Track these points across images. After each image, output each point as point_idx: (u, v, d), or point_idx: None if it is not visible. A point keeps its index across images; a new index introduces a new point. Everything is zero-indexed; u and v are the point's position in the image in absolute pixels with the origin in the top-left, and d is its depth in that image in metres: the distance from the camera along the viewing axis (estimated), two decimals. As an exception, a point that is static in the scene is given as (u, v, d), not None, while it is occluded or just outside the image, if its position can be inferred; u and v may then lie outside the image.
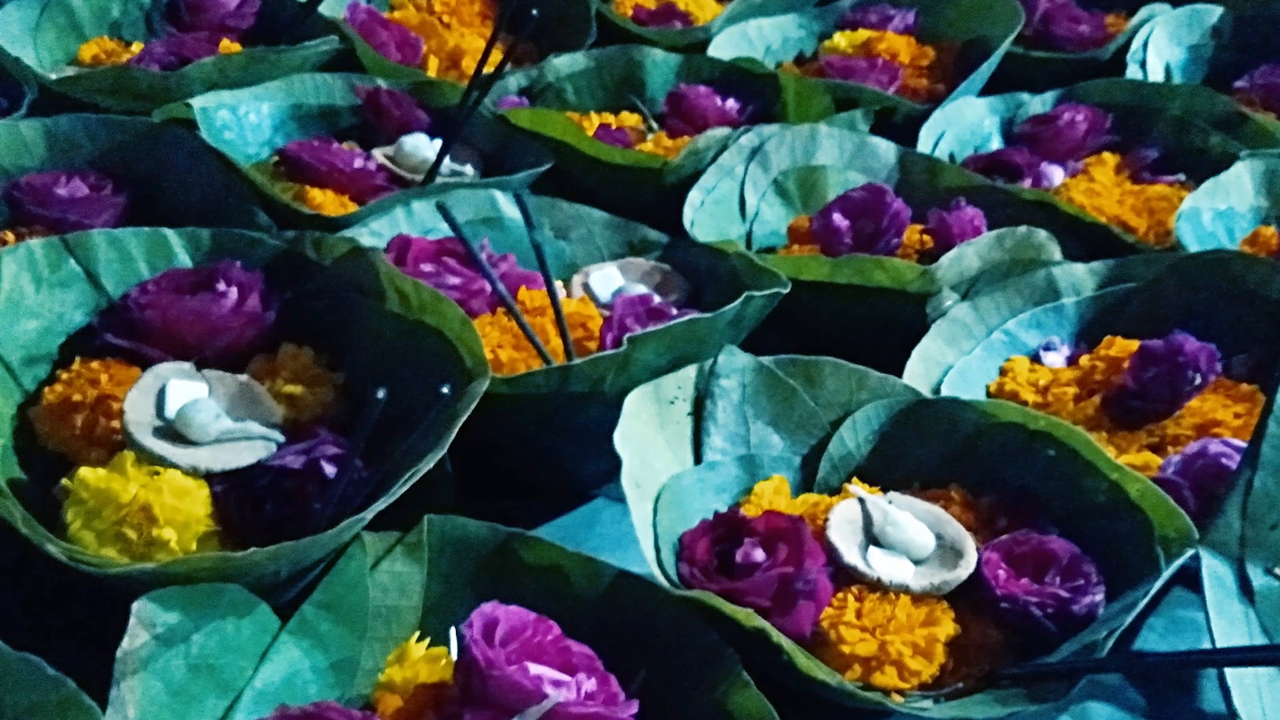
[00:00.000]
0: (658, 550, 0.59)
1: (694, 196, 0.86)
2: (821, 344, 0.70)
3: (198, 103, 0.85)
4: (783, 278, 0.71)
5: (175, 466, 0.53)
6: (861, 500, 0.61)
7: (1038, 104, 1.04)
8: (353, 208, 0.81)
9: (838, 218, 0.82)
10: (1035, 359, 0.73)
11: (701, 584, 0.56)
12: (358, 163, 0.85)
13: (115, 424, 0.55)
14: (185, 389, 0.57)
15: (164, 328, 0.59)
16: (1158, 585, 0.55)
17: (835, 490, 0.64)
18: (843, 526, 0.59)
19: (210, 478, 0.54)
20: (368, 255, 0.65)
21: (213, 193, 0.78)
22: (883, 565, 0.58)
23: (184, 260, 0.66)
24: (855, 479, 0.64)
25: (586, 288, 0.76)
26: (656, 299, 0.74)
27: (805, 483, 0.65)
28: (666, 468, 0.63)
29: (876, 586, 0.57)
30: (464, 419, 0.56)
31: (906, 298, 0.77)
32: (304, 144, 0.86)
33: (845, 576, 0.58)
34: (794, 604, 0.55)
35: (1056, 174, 0.94)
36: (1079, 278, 0.76)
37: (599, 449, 0.60)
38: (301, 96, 0.92)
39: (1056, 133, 0.99)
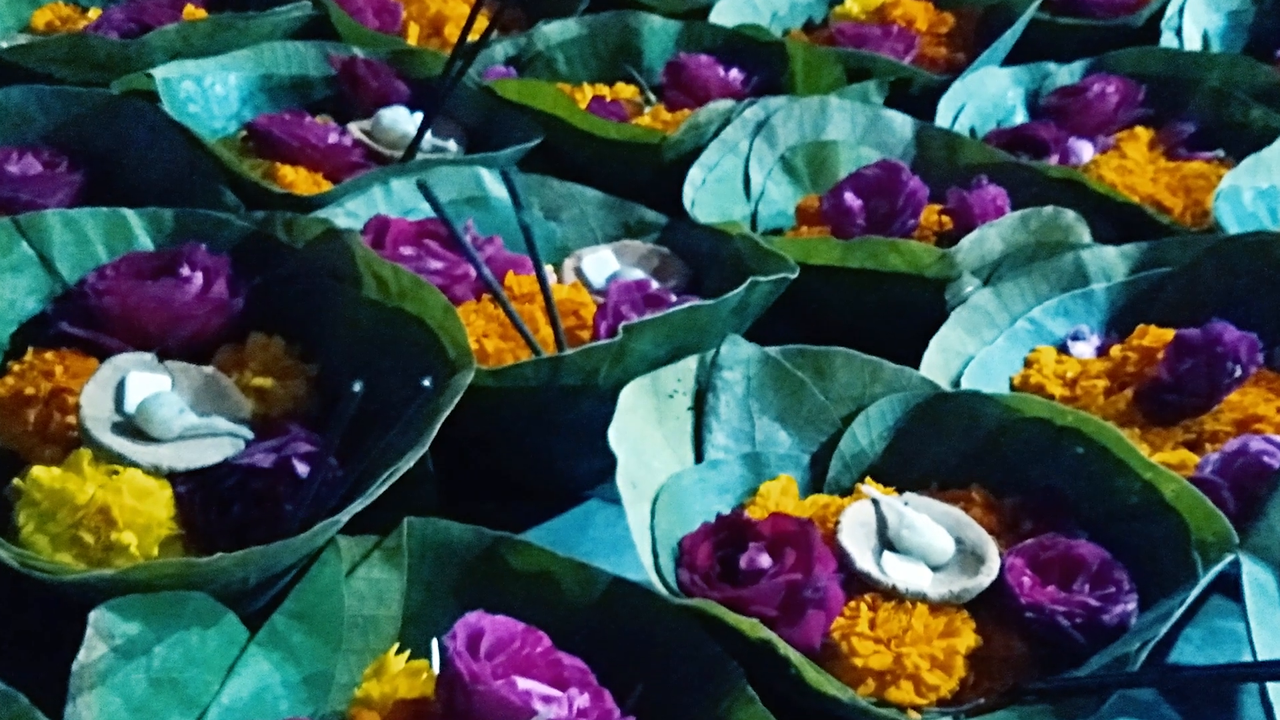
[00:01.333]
0: (656, 555, 0.59)
1: (695, 174, 0.86)
2: (832, 333, 0.70)
3: (160, 73, 0.85)
4: (790, 262, 0.71)
5: (135, 465, 0.53)
6: (875, 502, 0.61)
7: (1065, 74, 1.03)
8: (327, 186, 0.81)
9: (849, 197, 0.82)
10: (1063, 349, 0.73)
11: (703, 592, 0.56)
12: (332, 138, 0.85)
13: (71, 419, 0.54)
14: (146, 382, 0.57)
15: (123, 315, 0.59)
16: (1195, 593, 0.54)
17: (847, 491, 0.64)
18: (855, 530, 0.59)
19: (173, 477, 0.54)
20: (343, 237, 0.65)
21: (176, 170, 0.77)
22: (898, 572, 0.58)
23: (145, 243, 0.66)
24: (869, 479, 0.64)
25: (579, 272, 0.76)
26: (654, 284, 0.74)
27: (814, 483, 0.65)
28: (665, 466, 0.63)
29: (891, 595, 0.57)
30: (447, 414, 0.56)
31: (924, 283, 0.76)
32: (274, 117, 0.85)
33: (858, 584, 0.58)
34: (803, 613, 0.55)
35: (1086, 150, 0.94)
36: (1110, 262, 0.76)
37: (592, 446, 0.60)
38: (271, 66, 0.92)
39: (1086, 105, 0.98)
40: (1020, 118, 1.02)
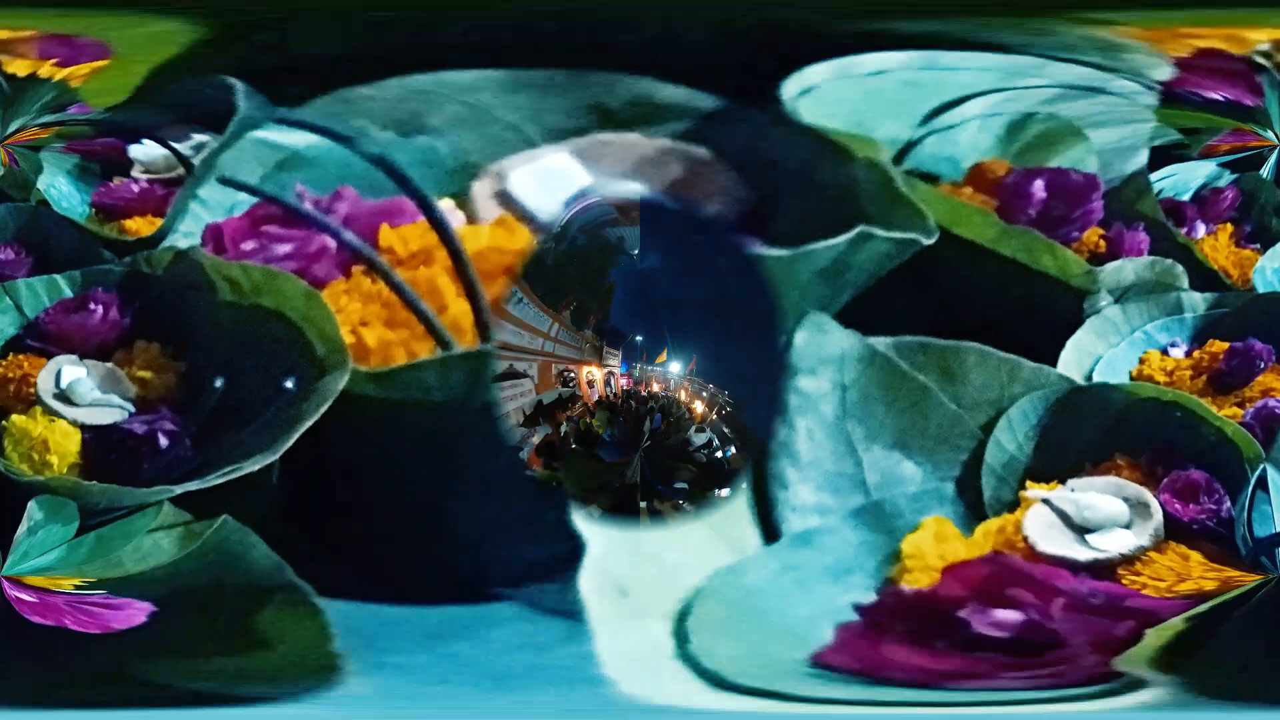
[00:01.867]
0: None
1: None
2: (964, 324, 0.80)
3: (40, 182, 1.06)
4: (929, 221, 0.79)
5: (64, 419, 0.87)
6: (1046, 501, 0.77)
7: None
8: (160, 223, 1.00)
9: (1039, 186, 1.01)
10: (1164, 352, 1.04)
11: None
12: (135, 188, 1.04)
13: (32, 391, 0.91)
14: (73, 371, 0.91)
15: (60, 335, 0.95)
16: (1249, 490, 0.79)
17: (1012, 505, 0.78)
18: (1049, 534, 0.76)
19: (84, 429, 0.86)
20: (189, 255, 0.89)
21: (81, 246, 1.03)
22: (1112, 544, 0.76)
23: (68, 292, 0.95)
24: (1029, 482, 0.80)
25: (506, 199, 0.65)
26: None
27: (971, 510, 0.76)
28: (696, 557, 0.61)
29: (1124, 562, 0.74)
30: (310, 423, 0.69)
31: (1067, 290, 0.95)
32: (95, 191, 1.06)
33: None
34: (1121, 616, 0.71)
35: (1200, 229, 1.21)
36: (1196, 301, 1.07)
37: (532, 516, 0.59)
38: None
39: (1218, 201, 1.25)
40: (1187, 196, 1.26)
